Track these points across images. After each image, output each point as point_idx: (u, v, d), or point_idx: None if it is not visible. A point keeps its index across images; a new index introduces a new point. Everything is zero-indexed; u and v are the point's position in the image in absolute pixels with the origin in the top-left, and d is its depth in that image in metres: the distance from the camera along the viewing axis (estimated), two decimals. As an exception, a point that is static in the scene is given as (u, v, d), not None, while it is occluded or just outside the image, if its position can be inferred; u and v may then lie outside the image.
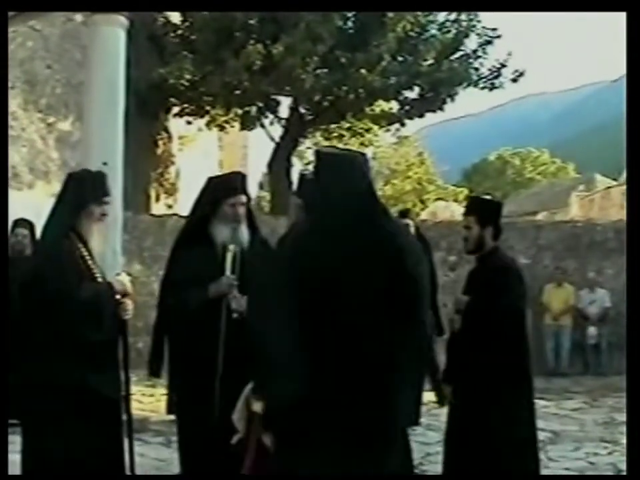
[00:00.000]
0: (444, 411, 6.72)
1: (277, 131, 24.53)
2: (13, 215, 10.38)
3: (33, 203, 13.98)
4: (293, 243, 4.41)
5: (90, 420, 4.99)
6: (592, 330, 17.14)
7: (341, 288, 4.04)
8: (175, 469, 6.33)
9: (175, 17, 22.92)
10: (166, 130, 24.75)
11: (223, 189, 5.56)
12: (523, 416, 6.32)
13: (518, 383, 6.20)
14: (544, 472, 8.15)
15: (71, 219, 5.23)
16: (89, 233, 5.29)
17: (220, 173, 5.26)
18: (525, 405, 6.36)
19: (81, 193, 5.30)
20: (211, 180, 5.69)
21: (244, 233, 5.45)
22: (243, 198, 5.49)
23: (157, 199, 24.23)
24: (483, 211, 6.36)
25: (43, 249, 5.37)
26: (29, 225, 10.31)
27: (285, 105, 24.16)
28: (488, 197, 7.74)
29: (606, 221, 19.94)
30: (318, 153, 4.51)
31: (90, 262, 5.27)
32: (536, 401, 13.08)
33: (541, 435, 10.16)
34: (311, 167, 4.87)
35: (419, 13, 21.83)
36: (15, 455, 5.44)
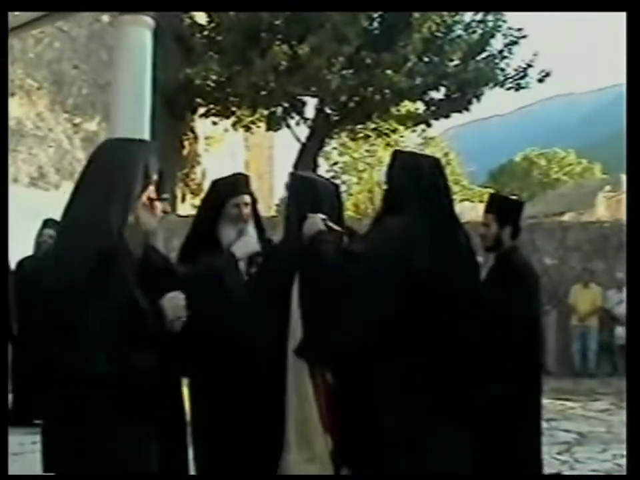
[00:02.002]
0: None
1: (303, 131, 24.57)
2: (40, 215, 10.44)
3: (59, 203, 14.05)
4: (399, 240, 4.47)
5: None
6: (620, 330, 16.98)
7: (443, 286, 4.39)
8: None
9: (202, 17, 22.98)
10: (192, 130, 24.81)
11: (226, 190, 5.52)
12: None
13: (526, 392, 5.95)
14: (570, 474, 8.14)
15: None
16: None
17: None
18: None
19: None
20: (215, 182, 5.65)
21: (251, 233, 5.40)
22: (247, 198, 5.44)
23: (183, 200, 24.29)
24: (503, 209, 6.28)
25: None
26: (57, 224, 10.37)
27: (311, 105, 24.22)
28: (509, 196, 7.64)
29: (634, 221, 19.83)
30: (400, 153, 4.93)
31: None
32: (563, 402, 13.09)
33: (568, 437, 10.15)
34: (389, 165, 4.85)
35: (445, 13, 21.78)
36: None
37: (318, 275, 4.47)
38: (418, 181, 4.64)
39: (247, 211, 5.25)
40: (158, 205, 5.15)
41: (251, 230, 5.22)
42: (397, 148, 5.58)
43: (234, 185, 5.45)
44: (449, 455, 4.38)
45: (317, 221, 4.53)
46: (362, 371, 4.37)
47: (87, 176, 4.09)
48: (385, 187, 4.89)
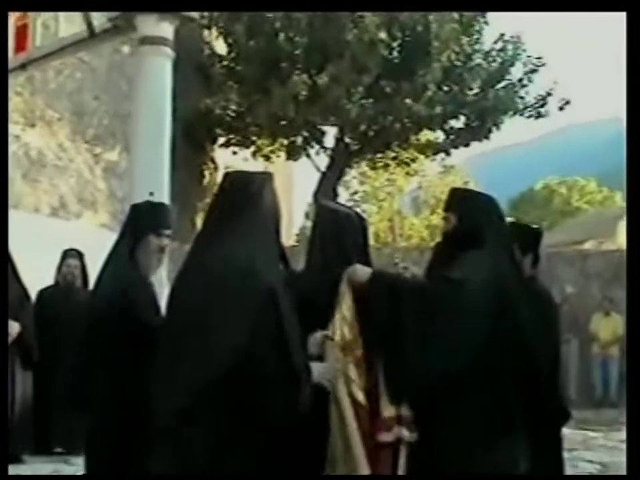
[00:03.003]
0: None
1: (323, 160, 24.59)
2: (61, 245, 10.48)
3: (80, 233, 14.10)
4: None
5: None
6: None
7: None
8: None
9: (221, 47, 23.09)
10: (212, 160, 24.88)
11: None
12: None
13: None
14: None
15: (128, 250, 5.25)
16: (147, 265, 5.30)
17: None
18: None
19: (139, 223, 5.32)
20: None
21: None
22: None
23: (204, 229, 24.32)
24: (524, 237, 6.22)
25: (110, 280, 5.31)
26: (79, 255, 10.39)
27: (330, 134, 24.24)
28: (528, 224, 7.57)
29: (654, 249, 19.74)
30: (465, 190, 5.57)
31: (152, 292, 5.31)
32: (585, 432, 12.99)
33: (591, 467, 10.07)
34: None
35: (464, 42, 21.83)
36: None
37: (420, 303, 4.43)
38: (494, 215, 4.86)
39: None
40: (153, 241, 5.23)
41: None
42: (454, 187, 5.64)
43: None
44: None
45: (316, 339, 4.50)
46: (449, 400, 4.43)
47: None
48: (451, 222, 4.85)
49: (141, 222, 5.32)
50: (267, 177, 4.38)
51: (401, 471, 4.37)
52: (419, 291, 4.49)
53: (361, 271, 4.54)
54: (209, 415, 3.82)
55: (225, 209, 4.17)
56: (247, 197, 4.16)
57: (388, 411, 4.39)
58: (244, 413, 3.84)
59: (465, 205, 4.89)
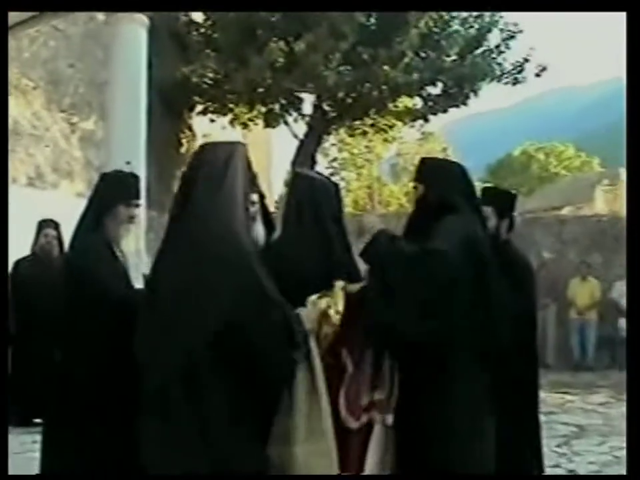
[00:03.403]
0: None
1: (301, 128, 24.53)
2: (38, 215, 10.46)
3: (57, 203, 14.06)
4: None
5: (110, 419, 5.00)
6: (623, 322, 16.98)
7: None
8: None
9: (198, 15, 22.97)
10: (190, 128, 24.80)
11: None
12: None
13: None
14: (569, 466, 8.16)
15: (96, 220, 5.24)
16: (116, 235, 5.30)
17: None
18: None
19: (109, 192, 5.31)
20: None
21: (259, 230, 5.39)
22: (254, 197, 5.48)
23: (182, 197, 24.28)
24: (500, 202, 6.26)
25: (77, 252, 5.32)
26: (55, 225, 10.36)
27: (308, 102, 24.17)
28: (503, 189, 7.61)
29: (631, 214, 19.81)
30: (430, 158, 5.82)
31: (121, 263, 5.31)
32: (562, 395, 13.12)
33: (566, 430, 10.18)
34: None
35: (442, 8, 21.80)
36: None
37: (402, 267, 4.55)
38: (462, 183, 5.02)
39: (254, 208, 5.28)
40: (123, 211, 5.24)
41: (260, 227, 5.22)
42: (423, 157, 5.92)
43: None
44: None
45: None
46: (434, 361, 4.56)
47: None
48: (421, 188, 5.03)
49: (111, 192, 5.32)
50: (234, 146, 4.48)
51: (371, 455, 4.42)
52: (406, 260, 4.55)
53: (370, 220, 4.86)
54: (204, 380, 3.87)
55: (198, 179, 4.30)
56: (216, 167, 4.27)
57: (366, 398, 4.45)
58: (239, 376, 3.91)
59: (433, 174, 5.06)
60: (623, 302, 17.02)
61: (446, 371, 4.55)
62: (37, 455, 5.49)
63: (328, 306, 4.34)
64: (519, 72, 23.48)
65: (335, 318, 4.34)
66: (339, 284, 4.47)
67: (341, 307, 4.37)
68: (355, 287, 4.57)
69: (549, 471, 6.82)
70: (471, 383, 4.60)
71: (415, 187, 5.14)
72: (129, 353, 4.32)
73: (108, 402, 4.99)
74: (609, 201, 38.40)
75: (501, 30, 23.29)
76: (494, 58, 23.10)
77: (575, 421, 10.88)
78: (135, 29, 11.03)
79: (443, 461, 4.52)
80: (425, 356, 4.52)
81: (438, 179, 4.98)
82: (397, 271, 4.52)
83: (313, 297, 4.35)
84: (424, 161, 5.35)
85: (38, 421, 9.48)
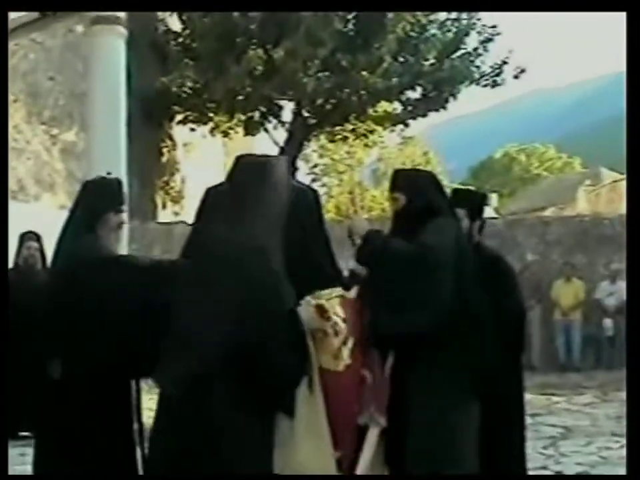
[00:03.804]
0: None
1: (281, 135, 24.59)
2: (20, 228, 10.41)
3: (39, 215, 14.02)
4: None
5: (104, 426, 4.98)
6: (608, 322, 17.01)
7: None
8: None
9: (176, 24, 22.98)
10: (170, 137, 24.80)
11: (220, 198, 5.57)
12: None
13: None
14: (556, 468, 8.18)
15: (88, 227, 5.20)
16: (108, 242, 5.26)
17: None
18: None
19: (98, 200, 5.27)
20: (209, 190, 5.65)
21: None
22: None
23: (164, 207, 24.27)
24: (472, 203, 6.28)
25: (67, 259, 5.26)
26: (37, 237, 10.33)
27: (287, 109, 24.24)
28: (473, 190, 7.62)
29: (613, 214, 19.91)
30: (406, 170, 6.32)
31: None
32: (548, 396, 13.13)
33: (553, 431, 10.19)
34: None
35: (419, 13, 21.84)
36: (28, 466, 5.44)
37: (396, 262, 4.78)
38: (438, 189, 5.27)
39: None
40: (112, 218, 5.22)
41: None
42: (396, 168, 6.33)
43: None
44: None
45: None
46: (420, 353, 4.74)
47: None
48: (402, 198, 5.21)
49: (100, 199, 5.28)
50: (273, 161, 4.58)
51: (367, 452, 4.49)
52: (401, 255, 4.78)
53: (360, 223, 5.05)
54: (219, 383, 3.91)
55: (238, 192, 4.35)
56: (257, 182, 4.36)
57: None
58: (252, 383, 3.95)
59: (412, 183, 5.29)
60: (607, 302, 17.11)
61: (435, 365, 4.74)
62: (26, 467, 5.47)
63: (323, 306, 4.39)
64: (498, 74, 23.59)
65: (334, 319, 4.39)
66: (336, 290, 4.53)
67: (338, 310, 4.42)
68: (351, 293, 4.65)
69: (535, 473, 6.83)
70: (454, 376, 4.78)
71: (393, 198, 5.28)
72: (133, 359, 4.37)
73: (107, 410, 4.98)
74: (591, 201, 38.52)
75: (479, 33, 23.40)
76: (472, 61, 23.20)
77: (561, 422, 10.89)
78: (113, 40, 11.01)
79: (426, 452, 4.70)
80: (416, 349, 4.72)
81: (418, 188, 5.20)
82: (396, 266, 4.73)
83: (308, 297, 4.38)
84: (400, 172, 5.60)
85: (25, 434, 9.46)
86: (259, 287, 4.06)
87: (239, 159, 4.59)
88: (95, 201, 5.27)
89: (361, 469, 4.44)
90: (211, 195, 4.57)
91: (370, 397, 4.54)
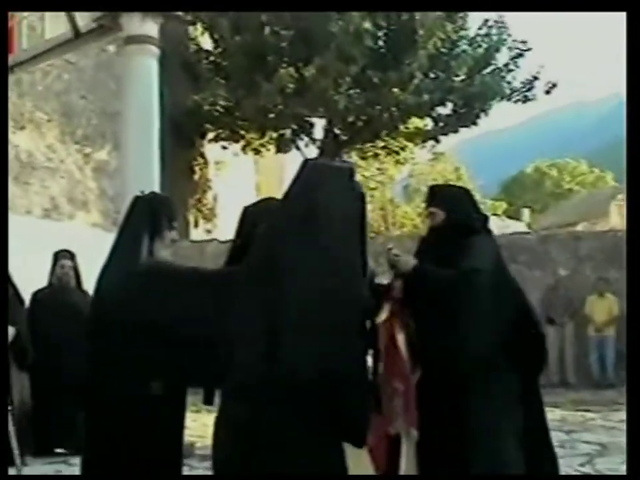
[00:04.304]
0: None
1: (313, 152, 24.59)
2: (53, 246, 10.48)
3: (73, 233, 14.11)
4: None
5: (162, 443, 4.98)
6: (645, 337, 16.84)
7: None
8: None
9: (207, 43, 23.10)
10: (202, 156, 24.91)
11: (258, 216, 5.48)
12: None
13: None
14: (593, 485, 8.11)
15: (149, 244, 5.16)
16: (161, 258, 5.25)
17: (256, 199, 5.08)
18: None
19: (156, 216, 5.24)
20: (246, 209, 5.61)
21: None
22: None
23: (196, 225, 24.36)
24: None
25: (132, 276, 5.15)
26: (71, 255, 10.39)
27: (319, 126, 24.26)
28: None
29: (647, 229, 19.74)
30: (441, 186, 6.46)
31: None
32: (583, 413, 13.02)
33: (589, 448, 10.11)
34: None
35: (450, 29, 21.84)
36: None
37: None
38: (474, 205, 5.37)
39: None
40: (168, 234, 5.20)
41: None
42: (433, 184, 6.45)
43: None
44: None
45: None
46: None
47: None
48: (440, 213, 5.28)
49: (158, 215, 5.27)
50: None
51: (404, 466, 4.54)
52: (452, 281, 4.91)
53: (405, 263, 5.03)
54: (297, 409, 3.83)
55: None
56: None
57: None
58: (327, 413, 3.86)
59: (450, 199, 5.35)
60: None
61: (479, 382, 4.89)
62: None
63: None
64: (529, 89, 23.52)
65: None
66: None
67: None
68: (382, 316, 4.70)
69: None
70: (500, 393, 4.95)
71: (431, 213, 5.34)
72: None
73: (165, 427, 4.99)
74: (623, 216, 38.31)
75: (510, 48, 23.35)
76: (503, 76, 23.14)
77: (597, 439, 10.79)
78: (146, 60, 11.08)
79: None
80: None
81: (457, 203, 5.28)
82: (451, 293, 4.87)
83: None
84: (437, 188, 5.69)
85: (60, 451, 9.51)
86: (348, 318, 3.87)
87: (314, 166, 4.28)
88: (151, 217, 5.25)
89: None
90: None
91: (401, 408, 4.58)
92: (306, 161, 4.27)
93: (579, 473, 8.50)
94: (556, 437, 8.62)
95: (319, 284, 3.78)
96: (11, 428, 5.49)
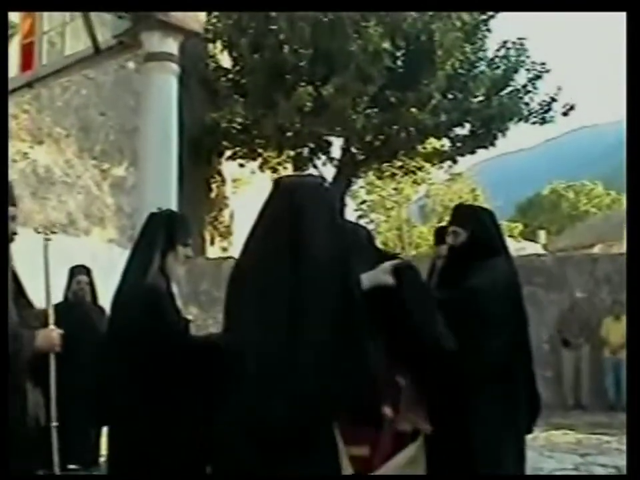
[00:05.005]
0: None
1: (330, 171, 24.62)
2: (70, 261, 10.49)
3: (89, 249, 14.14)
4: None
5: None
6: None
7: None
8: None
9: (226, 61, 23.17)
10: (219, 173, 24.94)
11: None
12: None
13: None
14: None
15: (160, 260, 5.21)
16: (174, 275, 5.29)
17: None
18: None
19: (170, 233, 5.29)
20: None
21: None
22: None
23: (212, 242, 24.37)
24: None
25: (140, 290, 5.22)
26: (87, 271, 10.40)
27: (336, 145, 24.29)
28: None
29: (663, 252, 19.67)
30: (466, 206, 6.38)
31: (177, 304, 5.31)
32: (598, 436, 12.95)
33: (604, 471, 10.05)
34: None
35: (468, 50, 21.86)
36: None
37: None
38: (496, 228, 5.47)
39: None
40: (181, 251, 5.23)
41: None
42: (459, 203, 6.63)
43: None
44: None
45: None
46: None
47: None
48: (463, 233, 5.38)
49: (172, 232, 5.31)
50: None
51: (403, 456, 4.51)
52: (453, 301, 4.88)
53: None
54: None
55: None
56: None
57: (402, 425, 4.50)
58: None
59: (474, 219, 5.44)
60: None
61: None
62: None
63: None
64: (546, 111, 23.46)
65: None
66: None
67: None
68: None
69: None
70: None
71: (453, 232, 5.42)
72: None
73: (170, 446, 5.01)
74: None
75: (528, 70, 23.32)
76: (521, 98, 23.10)
77: (612, 462, 10.72)
78: (165, 77, 11.15)
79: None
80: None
81: (481, 224, 5.37)
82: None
83: None
84: (462, 207, 5.89)
85: (73, 467, 9.48)
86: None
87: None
88: (169, 233, 5.29)
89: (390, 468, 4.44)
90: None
91: (408, 403, 4.54)
92: (277, 182, 4.27)
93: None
94: (571, 459, 8.59)
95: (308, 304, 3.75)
96: (55, 443, 5.46)
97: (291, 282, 3.67)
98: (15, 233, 5.11)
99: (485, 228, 5.33)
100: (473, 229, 5.31)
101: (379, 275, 4.32)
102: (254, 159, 24.03)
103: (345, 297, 3.78)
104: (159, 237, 5.28)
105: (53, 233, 5.60)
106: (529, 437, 5.35)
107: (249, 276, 3.89)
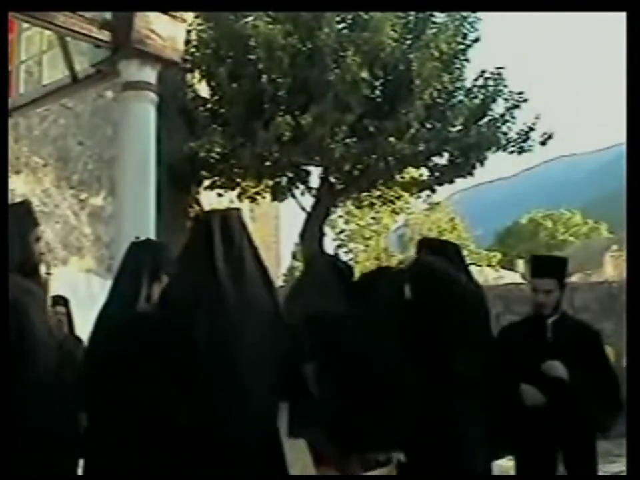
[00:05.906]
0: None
1: (308, 200, 24.61)
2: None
3: (67, 279, 14.05)
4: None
5: None
6: (635, 390, 16.73)
7: None
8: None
9: (204, 90, 23.19)
10: (198, 203, 24.89)
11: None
12: None
13: None
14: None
15: (147, 289, 5.18)
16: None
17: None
18: None
19: (155, 262, 5.27)
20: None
21: None
22: None
23: (191, 271, 24.27)
24: (563, 272, 6.20)
25: (130, 318, 5.15)
26: (65, 301, 10.33)
27: (315, 174, 24.26)
28: (559, 256, 7.61)
29: (642, 280, 19.73)
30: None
31: None
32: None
33: None
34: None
35: (446, 80, 21.92)
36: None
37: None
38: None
39: None
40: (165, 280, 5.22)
41: None
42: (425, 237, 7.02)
43: None
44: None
45: None
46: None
47: None
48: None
49: (157, 261, 5.30)
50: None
51: None
52: None
53: None
54: None
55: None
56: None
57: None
58: None
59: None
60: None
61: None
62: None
63: None
64: (525, 140, 23.53)
65: None
66: None
67: None
68: None
69: None
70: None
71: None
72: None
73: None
74: (618, 267, 38.37)
75: (506, 99, 23.39)
76: (499, 127, 23.16)
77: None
78: (143, 106, 11.11)
79: None
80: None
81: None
82: None
83: None
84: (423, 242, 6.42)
85: None
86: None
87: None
88: (150, 263, 5.27)
89: None
90: None
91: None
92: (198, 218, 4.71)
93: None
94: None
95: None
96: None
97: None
98: (42, 253, 5.18)
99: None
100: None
101: None
102: (232, 189, 24.00)
103: None
104: (144, 266, 5.26)
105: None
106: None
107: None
